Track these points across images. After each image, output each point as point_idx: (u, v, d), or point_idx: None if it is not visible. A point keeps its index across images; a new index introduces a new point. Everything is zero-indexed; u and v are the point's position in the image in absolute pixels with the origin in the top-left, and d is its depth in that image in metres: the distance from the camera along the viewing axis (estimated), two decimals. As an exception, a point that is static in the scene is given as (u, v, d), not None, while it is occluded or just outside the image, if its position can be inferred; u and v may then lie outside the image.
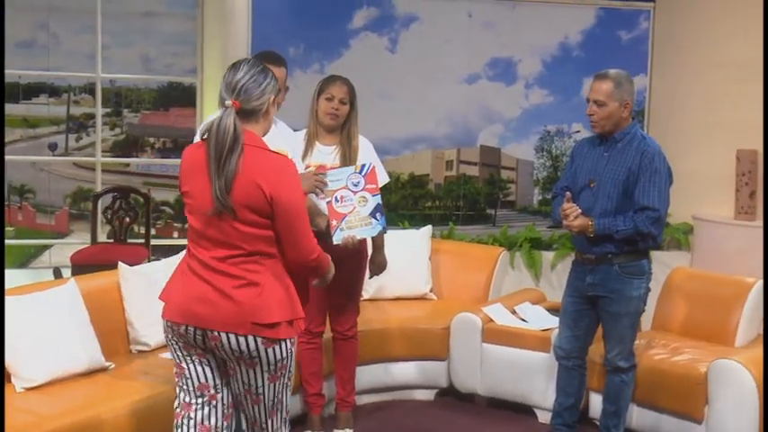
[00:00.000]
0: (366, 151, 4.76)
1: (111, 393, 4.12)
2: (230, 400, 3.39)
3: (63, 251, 6.92)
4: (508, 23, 7.18)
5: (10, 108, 6.95)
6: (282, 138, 4.42)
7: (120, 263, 4.81)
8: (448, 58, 7.10)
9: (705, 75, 7.07)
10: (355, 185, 4.31)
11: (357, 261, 4.85)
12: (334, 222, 4.28)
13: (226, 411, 3.39)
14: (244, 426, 3.50)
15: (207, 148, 3.13)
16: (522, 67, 7.26)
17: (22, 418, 3.71)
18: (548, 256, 7.08)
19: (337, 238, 4.28)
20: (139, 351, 4.75)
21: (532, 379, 5.24)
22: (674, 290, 5.42)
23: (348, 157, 4.63)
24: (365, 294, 6.04)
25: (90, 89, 7.06)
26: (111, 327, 4.65)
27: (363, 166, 4.36)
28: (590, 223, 4.39)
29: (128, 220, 6.64)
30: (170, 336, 3.31)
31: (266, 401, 3.32)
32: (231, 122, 3.09)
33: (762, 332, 5.18)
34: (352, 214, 4.31)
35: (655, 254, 6.91)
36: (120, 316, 4.73)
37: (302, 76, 6.79)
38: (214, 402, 3.37)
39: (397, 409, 5.44)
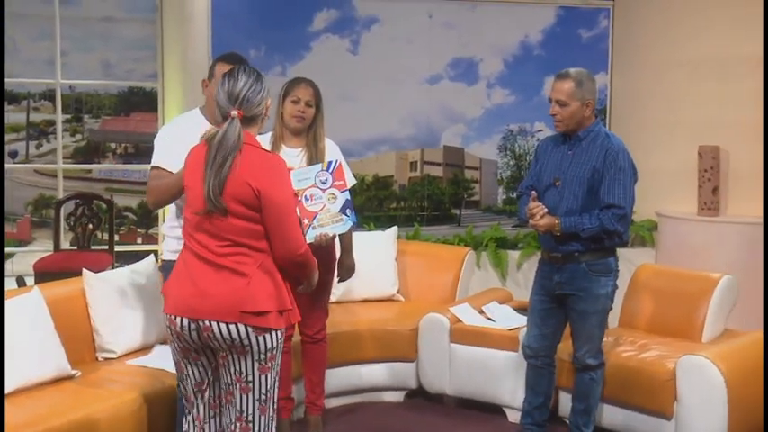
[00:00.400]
0: (333, 153, 4.74)
1: (77, 401, 4.07)
2: (217, 393, 3.51)
3: (26, 259, 6.83)
4: (469, 24, 7.17)
5: (-32, 116, 6.85)
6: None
7: (84, 270, 4.74)
8: (409, 59, 7.08)
9: (665, 73, 7.11)
10: (323, 183, 4.30)
11: (325, 263, 4.80)
12: (305, 221, 4.27)
13: (212, 402, 3.52)
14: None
15: (207, 153, 3.29)
16: (483, 67, 7.26)
17: (-14, 430, 3.64)
18: (513, 255, 7.08)
19: (310, 237, 4.26)
20: (106, 358, 4.69)
21: (501, 378, 5.23)
22: (640, 287, 5.43)
23: (315, 160, 4.60)
24: (332, 297, 6.01)
25: (50, 96, 6.98)
26: (76, 334, 4.60)
27: (330, 163, 4.36)
28: (556, 222, 4.39)
29: (91, 226, 6.56)
30: (170, 333, 3.44)
31: (255, 392, 3.39)
32: (237, 133, 3.29)
33: (728, 327, 5.21)
34: (323, 212, 4.30)
35: (620, 251, 6.93)
36: (86, 323, 4.67)
37: (264, 79, 6.71)
38: (202, 396, 3.52)
39: (367, 411, 5.42)
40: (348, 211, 4.35)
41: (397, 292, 6.09)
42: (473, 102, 7.29)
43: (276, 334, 3.36)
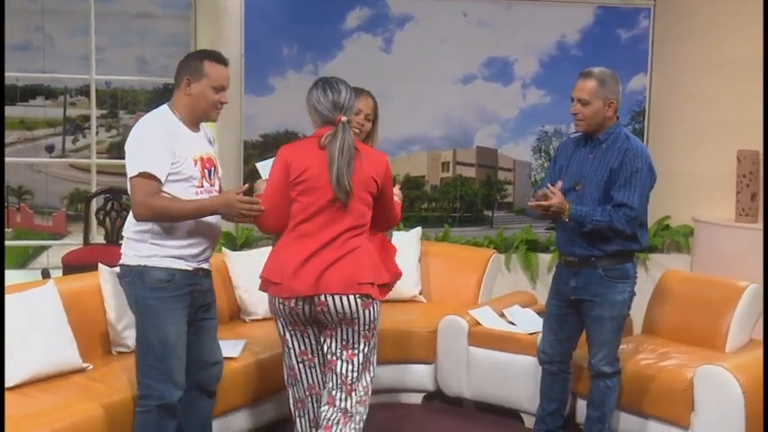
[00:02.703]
0: None
1: (84, 395, 4.09)
2: (325, 360, 3.99)
3: (60, 252, 6.88)
4: (504, 23, 7.09)
5: (7, 110, 6.91)
6: None
7: (99, 264, 4.76)
8: (443, 58, 7.02)
9: (706, 74, 6.96)
10: None
11: None
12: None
13: (322, 369, 4.03)
14: (325, 400, 3.96)
15: (333, 154, 3.80)
16: (518, 67, 7.17)
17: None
18: (545, 258, 6.99)
19: (259, 165, 4.36)
20: (120, 352, 4.69)
21: (519, 383, 5.16)
22: (665, 293, 5.32)
23: None
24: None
25: (85, 91, 7.02)
26: (90, 328, 4.61)
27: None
28: (567, 206, 4.30)
29: (120, 221, 6.59)
30: (281, 310, 3.92)
31: (360, 358, 3.93)
32: (350, 136, 3.84)
33: (755, 337, 5.08)
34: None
35: (654, 256, 6.95)
36: (101, 317, 4.67)
37: (295, 77, 6.77)
38: (312, 364, 4.04)
39: (384, 412, 5.34)
40: None
41: (419, 294, 6.05)
42: (507, 102, 7.20)
43: (378, 305, 3.92)
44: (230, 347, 4.76)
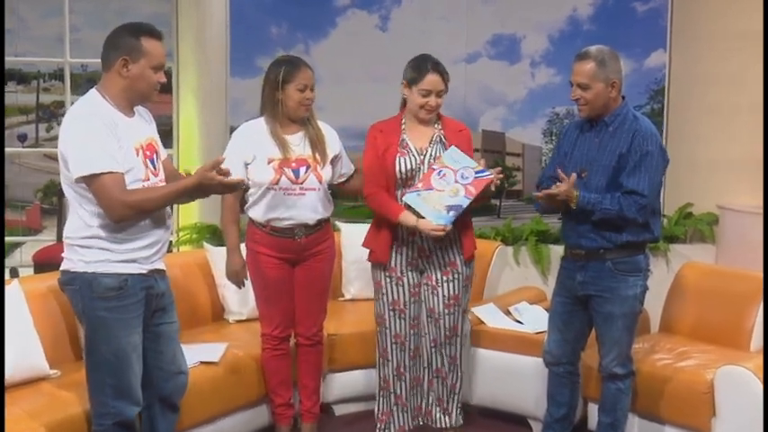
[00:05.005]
0: (329, 135, 4.81)
1: (47, 404, 4.06)
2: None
3: (35, 249, 6.83)
4: (510, -3, 6.99)
5: (-23, 97, 6.88)
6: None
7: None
8: (444, 35, 6.89)
9: (731, 51, 6.82)
10: (462, 177, 4.48)
11: (327, 256, 4.84)
12: (419, 185, 4.51)
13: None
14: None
15: None
16: (526, 45, 7.05)
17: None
18: (557, 250, 6.84)
19: (407, 198, 4.50)
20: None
21: (526, 387, 5.12)
22: (683, 287, 5.27)
23: (316, 142, 4.68)
24: (347, 295, 5.95)
25: (60, 75, 6.98)
26: (59, 332, 4.57)
27: (484, 171, 4.51)
28: (575, 194, 4.23)
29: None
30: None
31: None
32: None
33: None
34: (438, 194, 4.47)
35: (675, 247, 6.84)
36: (72, 320, 4.58)
37: (286, 58, 6.66)
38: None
39: (380, 420, 5.29)
40: (452, 213, 4.46)
41: (419, 290, 5.95)
42: (515, 82, 7.08)
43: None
44: (210, 351, 4.73)
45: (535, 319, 5.34)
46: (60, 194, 6.54)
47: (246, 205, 4.72)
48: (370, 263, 4.74)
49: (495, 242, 6.27)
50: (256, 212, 4.66)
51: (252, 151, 4.59)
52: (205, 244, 5.79)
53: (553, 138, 7.07)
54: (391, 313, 4.68)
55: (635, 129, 4.27)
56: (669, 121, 6.97)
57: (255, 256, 4.70)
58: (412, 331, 4.72)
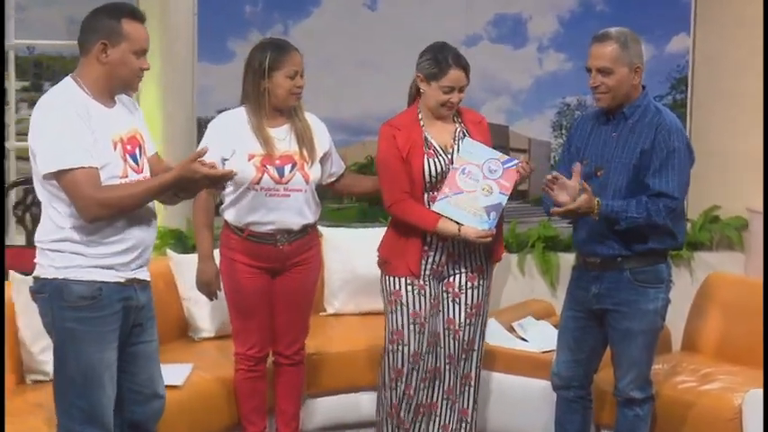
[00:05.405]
0: (319, 130, 4.84)
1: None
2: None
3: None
4: (515, -27, 7.05)
5: None
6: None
7: (11, 272, 4.71)
8: (441, 16, 6.92)
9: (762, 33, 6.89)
10: (491, 172, 4.58)
11: (312, 266, 4.88)
12: (446, 190, 4.54)
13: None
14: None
15: None
16: (533, 26, 7.10)
17: None
18: (567, 258, 6.88)
19: (438, 207, 4.55)
20: (36, 381, 4.67)
21: (532, 413, 5.20)
22: (709, 301, 5.37)
23: (303, 135, 4.71)
24: (330, 309, 5.99)
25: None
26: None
27: (510, 159, 4.63)
28: (596, 202, 4.26)
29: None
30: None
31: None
32: None
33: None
34: (469, 195, 4.54)
35: (700, 255, 6.90)
36: (11, 338, 4.60)
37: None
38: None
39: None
40: (494, 214, 4.55)
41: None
42: (520, 69, 7.13)
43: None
44: (173, 374, 4.71)
45: (542, 337, 5.40)
46: (3, 194, 6.57)
47: (222, 206, 4.75)
48: (383, 272, 4.78)
49: (502, 250, 6.27)
50: (233, 215, 4.69)
51: (231, 145, 4.61)
52: (168, 251, 5.81)
53: (563, 132, 7.11)
54: (412, 327, 4.70)
55: (658, 122, 4.31)
56: (693, 113, 7.02)
57: (231, 264, 4.72)
58: (429, 349, 4.76)
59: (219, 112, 6.54)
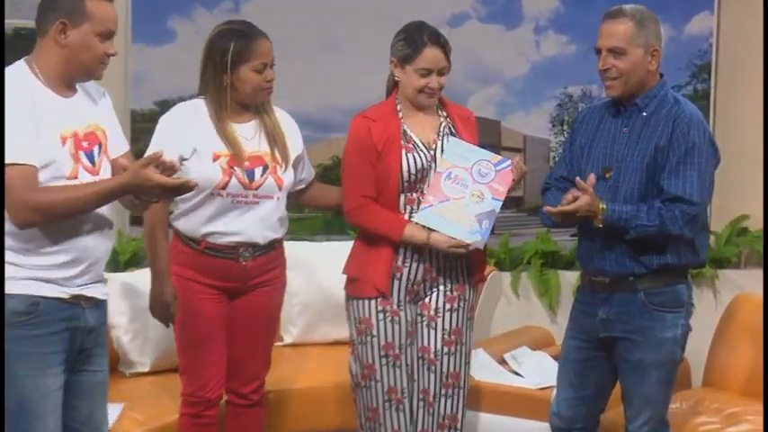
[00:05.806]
0: (290, 128, 4.82)
1: None
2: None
3: None
4: (506, -59, 7.07)
5: None
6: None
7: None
8: (421, -9, 6.91)
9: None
10: (481, 175, 4.56)
11: (276, 287, 4.84)
12: (429, 198, 4.53)
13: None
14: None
15: None
16: (529, 4, 7.10)
17: None
18: (569, 277, 6.88)
19: (421, 218, 4.52)
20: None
21: (528, 461, 5.17)
22: (735, 327, 5.39)
23: (273, 133, 4.67)
24: (287, 338, 5.94)
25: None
26: None
27: (504, 159, 4.61)
28: (601, 207, 4.24)
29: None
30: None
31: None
32: None
33: None
34: (457, 203, 4.52)
35: (725, 273, 6.86)
36: None
37: (207, 18, 6.60)
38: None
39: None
40: (487, 223, 4.54)
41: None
42: (514, 53, 7.14)
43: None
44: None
45: (539, 371, 5.44)
46: None
47: (174, 214, 4.67)
48: (350, 296, 4.71)
49: (486, 266, 6.22)
50: (189, 224, 4.60)
51: (191, 142, 4.53)
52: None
53: (565, 127, 7.10)
54: (383, 360, 4.61)
55: (677, 115, 4.29)
56: (717, 106, 7.06)
57: (183, 283, 4.62)
58: (408, 384, 4.67)
59: (157, 103, 6.61)
